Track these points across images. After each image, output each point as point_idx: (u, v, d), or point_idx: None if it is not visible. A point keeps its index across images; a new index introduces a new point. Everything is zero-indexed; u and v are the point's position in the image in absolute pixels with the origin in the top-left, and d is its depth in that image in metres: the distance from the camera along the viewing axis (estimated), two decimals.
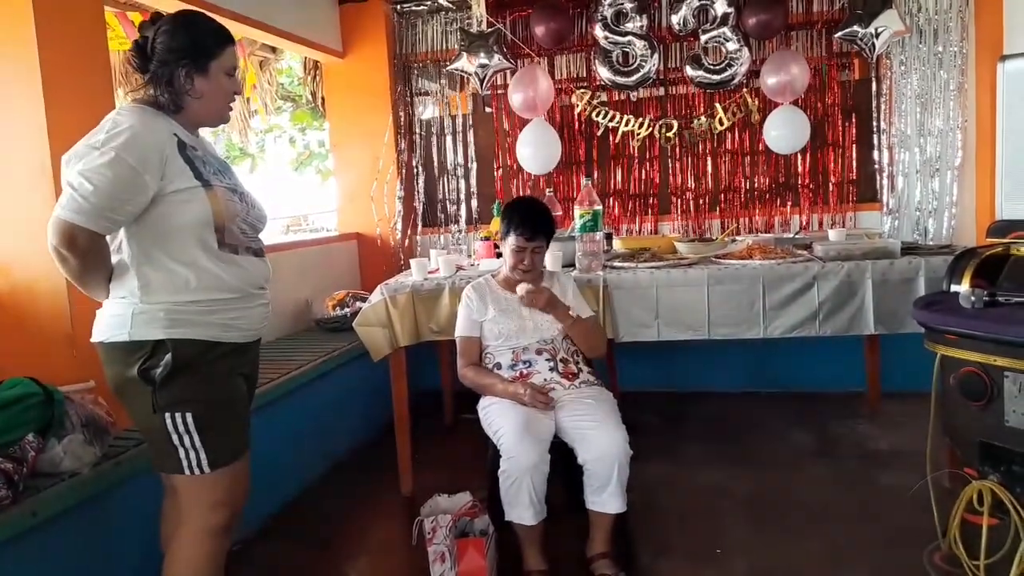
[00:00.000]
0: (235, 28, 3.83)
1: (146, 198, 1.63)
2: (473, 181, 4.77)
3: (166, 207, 1.66)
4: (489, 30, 4.32)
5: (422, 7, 4.66)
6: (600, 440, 2.29)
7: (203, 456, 1.70)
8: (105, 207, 1.57)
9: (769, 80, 4.10)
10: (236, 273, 1.75)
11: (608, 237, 3.49)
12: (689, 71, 4.22)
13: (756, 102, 4.27)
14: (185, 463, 1.70)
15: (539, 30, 4.32)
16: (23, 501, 1.88)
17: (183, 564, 1.76)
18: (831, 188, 4.36)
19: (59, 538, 2.00)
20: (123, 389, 1.71)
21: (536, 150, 4.34)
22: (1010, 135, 3.91)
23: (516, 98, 4.30)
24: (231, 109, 1.87)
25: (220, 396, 1.75)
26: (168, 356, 1.64)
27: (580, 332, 2.63)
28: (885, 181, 4.27)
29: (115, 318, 1.68)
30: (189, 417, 1.68)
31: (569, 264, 3.10)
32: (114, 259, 1.70)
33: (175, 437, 1.68)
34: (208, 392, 1.72)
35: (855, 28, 3.92)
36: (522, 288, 2.55)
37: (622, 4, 4.17)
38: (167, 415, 1.67)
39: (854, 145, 4.32)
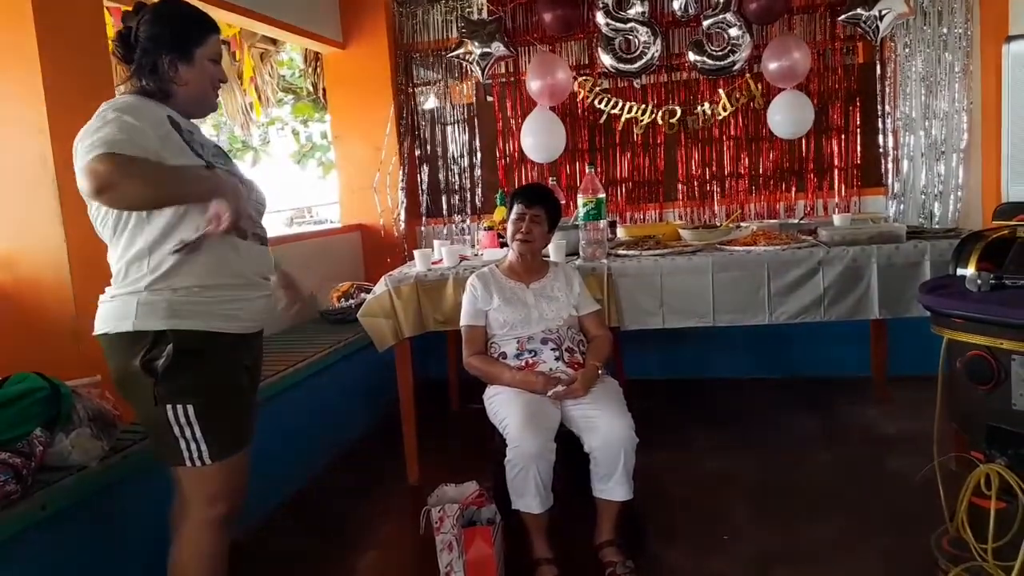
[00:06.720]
0: (235, 20, 3.83)
1: (155, 148, 1.59)
2: (476, 171, 4.76)
3: None
4: (490, 18, 4.30)
5: None
6: (606, 428, 2.29)
7: (204, 448, 1.71)
8: (125, 138, 1.52)
9: (771, 65, 4.07)
10: (241, 259, 1.75)
11: (612, 225, 3.48)
12: (691, 57, 4.19)
13: (759, 88, 4.24)
14: (186, 455, 1.71)
15: (547, 17, 4.29)
16: (32, 495, 1.89)
17: (185, 556, 1.78)
18: (836, 173, 4.34)
19: (68, 531, 2.01)
20: (125, 381, 1.71)
21: (539, 139, 4.31)
22: (1016, 116, 3.86)
23: (534, 85, 4.25)
24: (217, 97, 1.86)
25: (221, 388, 1.75)
26: (169, 347, 1.64)
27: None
28: (890, 165, 4.25)
29: (119, 308, 1.68)
30: (190, 409, 1.68)
31: (573, 253, 3.09)
32: (119, 249, 1.69)
33: (176, 429, 1.68)
34: (209, 384, 1.72)
35: (858, 11, 3.89)
36: (553, 393, 2.44)
37: None
38: (168, 407, 1.67)
39: (858, 129, 4.29)
